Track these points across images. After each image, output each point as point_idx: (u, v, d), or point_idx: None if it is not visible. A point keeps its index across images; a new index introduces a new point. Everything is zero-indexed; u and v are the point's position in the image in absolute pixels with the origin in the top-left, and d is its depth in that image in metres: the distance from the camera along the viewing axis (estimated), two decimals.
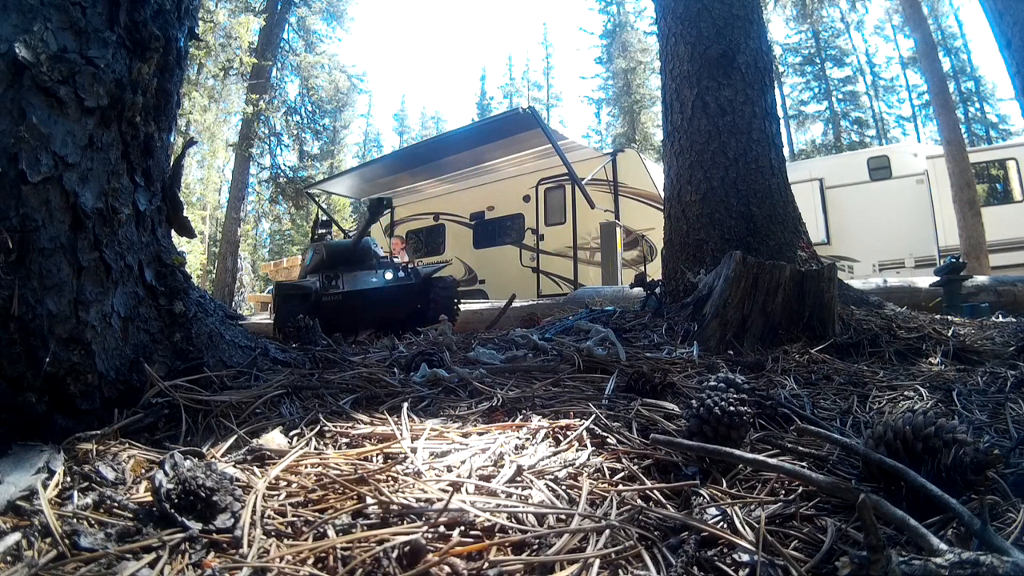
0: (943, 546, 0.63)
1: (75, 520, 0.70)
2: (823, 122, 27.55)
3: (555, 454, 0.96)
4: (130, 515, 0.72)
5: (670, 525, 0.74)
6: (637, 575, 0.64)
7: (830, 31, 26.36)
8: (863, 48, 27.30)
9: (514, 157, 8.82)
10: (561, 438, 1.03)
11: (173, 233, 1.39)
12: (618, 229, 7.48)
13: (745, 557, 0.67)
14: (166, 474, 0.73)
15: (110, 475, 0.82)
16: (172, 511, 0.69)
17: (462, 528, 0.69)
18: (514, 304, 5.58)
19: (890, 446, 0.88)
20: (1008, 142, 14.09)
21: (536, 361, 1.79)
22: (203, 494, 0.71)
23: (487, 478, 0.84)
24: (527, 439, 1.02)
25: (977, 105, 25.03)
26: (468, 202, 9.94)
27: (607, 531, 0.70)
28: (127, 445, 0.94)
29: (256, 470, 0.87)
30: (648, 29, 26.54)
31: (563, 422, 1.10)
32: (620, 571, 0.64)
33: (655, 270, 7.37)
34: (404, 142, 37.72)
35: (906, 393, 1.51)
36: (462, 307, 5.29)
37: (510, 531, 0.69)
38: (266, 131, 15.69)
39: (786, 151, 3.86)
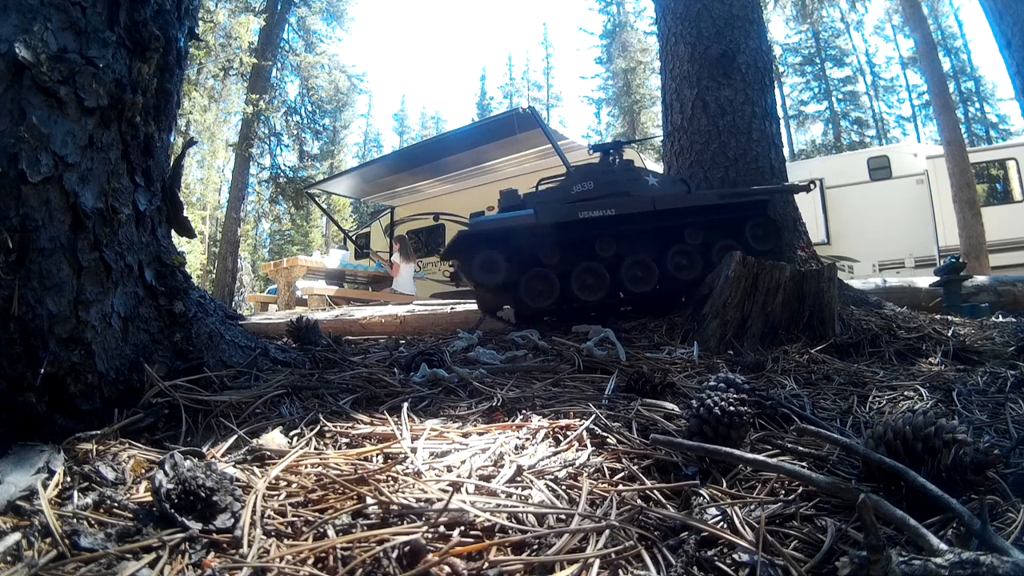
0: (943, 546, 0.63)
1: (75, 520, 0.70)
2: (823, 122, 27.57)
3: (555, 454, 0.96)
4: (130, 515, 0.72)
5: (670, 525, 0.74)
6: (637, 575, 0.64)
7: (830, 31, 26.36)
8: (863, 48, 27.34)
9: (514, 157, 8.81)
10: (561, 438, 1.03)
11: (173, 233, 1.39)
12: None
13: (745, 557, 0.67)
14: (166, 474, 0.73)
15: (110, 475, 0.82)
16: (172, 511, 0.69)
17: (462, 528, 0.69)
18: None
19: (890, 446, 0.88)
20: (1008, 142, 14.10)
21: (536, 361, 1.79)
22: (203, 494, 0.71)
23: (487, 478, 0.84)
24: (527, 439, 1.02)
25: (977, 105, 25.04)
26: (468, 202, 9.94)
27: (607, 531, 0.70)
28: (127, 445, 0.94)
29: (256, 470, 0.87)
30: (648, 29, 26.54)
31: (563, 422, 1.10)
32: (620, 571, 0.64)
33: None
34: (404, 142, 37.72)
35: (906, 393, 1.51)
36: (460, 308, 5.28)
37: (510, 531, 0.69)
38: (266, 131, 15.68)
39: (786, 151, 3.86)
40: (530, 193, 4.28)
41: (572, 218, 3.62)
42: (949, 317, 3.06)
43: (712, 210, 3.68)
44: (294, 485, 0.81)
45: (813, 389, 1.57)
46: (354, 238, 11.77)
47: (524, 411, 1.19)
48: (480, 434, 1.04)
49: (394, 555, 0.63)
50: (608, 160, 4.07)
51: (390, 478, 0.83)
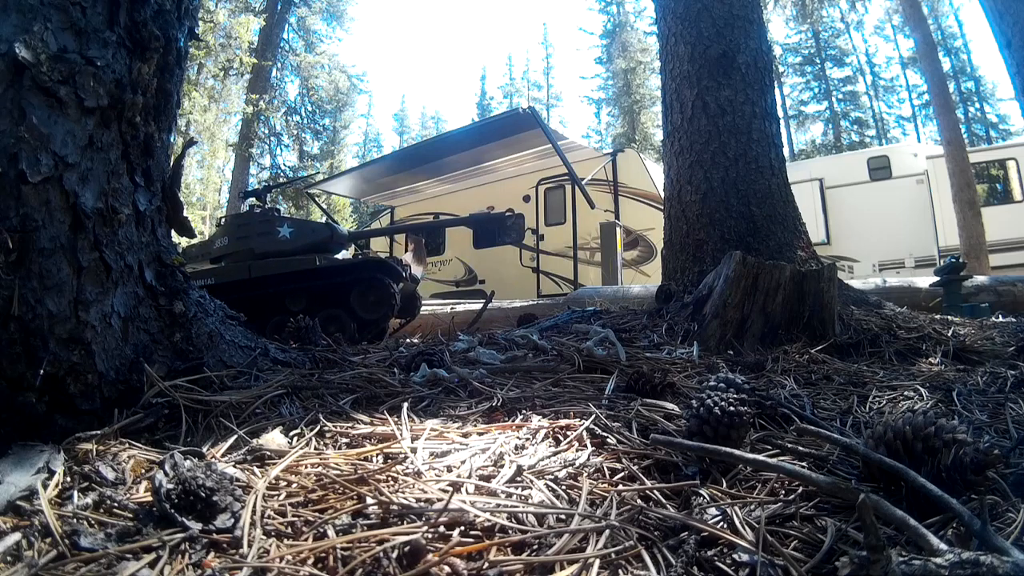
0: (943, 546, 0.63)
1: (75, 520, 0.70)
2: (823, 122, 27.57)
3: (555, 454, 0.96)
4: (130, 515, 0.72)
5: (670, 525, 0.74)
6: (637, 575, 0.64)
7: (830, 31, 26.36)
8: (863, 48, 27.33)
9: (514, 157, 8.82)
10: (561, 438, 1.03)
11: (173, 233, 1.39)
12: (618, 229, 7.48)
13: (745, 557, 0.67)
14: (166, 474, 0.73)
15: (110, 475, 0.82)
16: (172, 511, 0.69)
17: (462, 528, 0.69)
18: (514, 304, 5.58)
19: (890, 446, 0.88)
20: (1008, 142, 14.10)
21: (536, 361, 1.79)
22: (203, 494, 0.71)
23: (487, 478, 0.84)
24: (527, 439, 1.02)
25: (977, 105, 25.04)
26: (468, 202, 9.95)
27: (607, 531, 0.70)
28: (127, 445, 0.94)
29: (256, 470, 0.87)
30: (648, 29, 26.55)
31: (563, 422, 1.10)
32: (620, 571, 0.64)
33: (655, 270, 7.38)
34: (404, 142, 37.68)
35: (906, 393, 1.51)
36: (460, 307, 5.28)
37: (510, 531, 0.69)
38: (266, 131, 15.69)
39: (786, 151, 3.86)
40: (191, 245, 4.25)
41: None
42: (949, 317, 3.06)
43: (311, 275, 3.55)
44: (294, 485, 0.81)
45: (813, 389, 1.57)
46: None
47: (524, 411, 1.19)
48: (480, 434, 1.04)
49: (394, 555, 0.63)
50: (253, 209, 3.97)
51: (390, 478, 0.83)
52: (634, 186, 8.61)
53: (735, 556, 0.67)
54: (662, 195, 4.14)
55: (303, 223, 4.12)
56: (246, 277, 3.55)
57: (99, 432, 0.95)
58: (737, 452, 0.90)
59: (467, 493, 0.79)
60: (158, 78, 1.23)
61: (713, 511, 0.77)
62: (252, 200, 4.66)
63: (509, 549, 0.66)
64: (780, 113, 4.68)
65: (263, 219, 3.98)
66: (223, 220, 4.51)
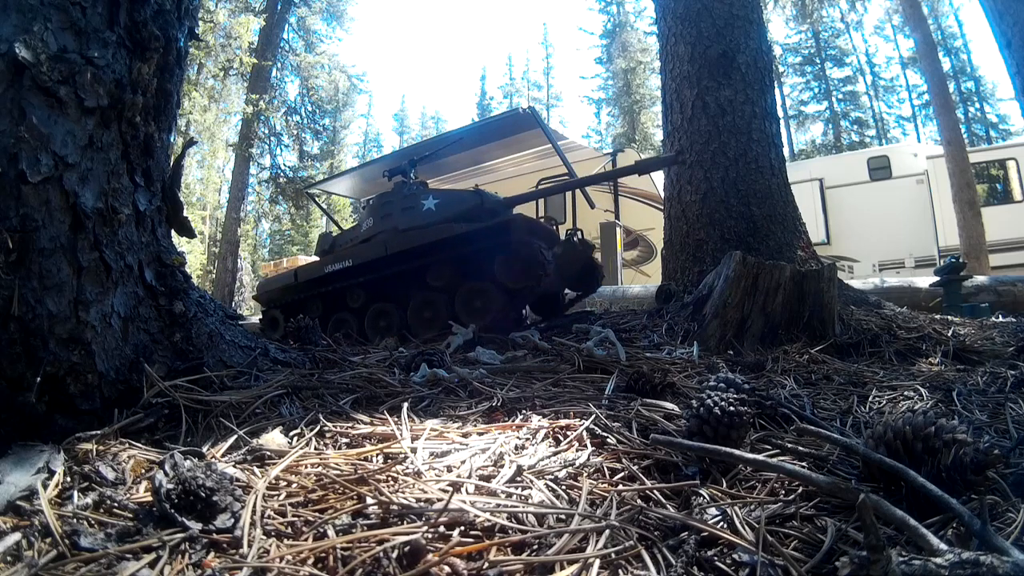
0: (943, 546, 0.63)
1: (75, 520, 0.70)
2: (823, 122, 27.53)
3: (555, 454, 0.96)
4: (130, 515, 0.72)
5: (670, 525, 0.74)
6: (637, 575, 0.64)
7: (830, 31, 26.33)
8: (863, 48, 27.30)
9: (514, 157, 8.82)
10: (561, 438, 1.03)
11: (173, 233, 1.39)
12: (618, 229, 7.48)
13: (745, 557, 0.66)
14: (166, 474, 0.73)
15: (110, 475, 0.82)
16: (172, 511, 0.69)
17: (462, 528, 0.69)
18: None
19: (890, 446, 0.88)
20: (1008, 142, 14.09)
21: (536, 361, 1.79)
22: (203, 494, 0.71)
23: (487, 478, 0.84)
24: (527, 439, 1.02)
25: (977, 105, 25.01)
26: None
27: (607, 531, 0.70)
28: (127, 445, 0.94)
29: (256, 470, 0.87)
30: (648, 29, 26.53)
31: (563, 422, 1.10)
32: (620, 571, 0.64)
33: (655, 270, 7.39)
34: (404, 142, 37.67)
35: (906, 393, 1.51)
36: None
37: (510, 531, 0.69)
38: (266, 131, 15.68)
39: (786, 151, 3.86)
40: (340, 233, 4.27)
41: (320, 274, 3.60)
42: (949, 317, 3.06)
43: (453, 243, 3.20)
44: (294, 485, 0.81)
45: (813, 389, 1.57)
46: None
47: (524, 411, 1.19)
48: (480, 434, 1.04)
49: (394, 555, 0.63)
50: (398, 186, 3.87)
51: (390, 478, 0.83)
52: (634, 186, 8.61)
53: (735, 556, 0.67)
54: (662, 195, 4.14)
55: (449, 193, 3.75)
56: (383, 255, 3.28)
57: (99, 432, 0.95)
58: (737, 452, 0.90)
59: (467, 493, 0.79)
60: (158, 78, 1.23)
61: (713, 511, 0.77)
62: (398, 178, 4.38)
63: (509, 549, 0.66)
64: (780, 113, 4.68)
65: (407, 194, 3.69)
66: (368, 203, 4.39)
